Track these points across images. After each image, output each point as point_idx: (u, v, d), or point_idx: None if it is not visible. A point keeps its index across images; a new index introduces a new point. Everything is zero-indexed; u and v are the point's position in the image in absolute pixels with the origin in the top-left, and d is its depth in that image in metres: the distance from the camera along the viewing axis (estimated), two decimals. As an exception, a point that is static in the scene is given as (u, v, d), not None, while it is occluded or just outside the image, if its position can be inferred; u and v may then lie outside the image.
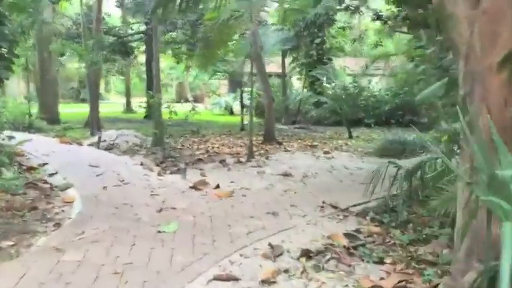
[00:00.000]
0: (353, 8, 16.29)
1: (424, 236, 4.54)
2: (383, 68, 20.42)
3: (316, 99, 15.84)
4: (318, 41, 19.81)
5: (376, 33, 19.09)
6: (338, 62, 21.12)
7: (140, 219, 5.01)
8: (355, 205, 5.75)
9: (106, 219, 4.96)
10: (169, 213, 5.27)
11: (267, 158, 9.67)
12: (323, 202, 5.81)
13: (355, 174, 8.03)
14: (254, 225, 4.85)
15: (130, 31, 23.15)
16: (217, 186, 6.71)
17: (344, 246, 4.18)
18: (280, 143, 12.15)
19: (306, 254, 3.98)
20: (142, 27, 21.25)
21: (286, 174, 7.90)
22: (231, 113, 25.42)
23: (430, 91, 3.73)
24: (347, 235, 4.55)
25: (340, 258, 3.94)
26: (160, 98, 10.48)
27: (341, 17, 19.64)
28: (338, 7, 16.89)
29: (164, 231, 4.56)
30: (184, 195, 6.26)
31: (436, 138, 12.29)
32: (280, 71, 20.72)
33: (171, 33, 20.11)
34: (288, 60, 21.44)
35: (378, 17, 13.97)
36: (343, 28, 19.41)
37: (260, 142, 12.13)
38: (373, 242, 4.47)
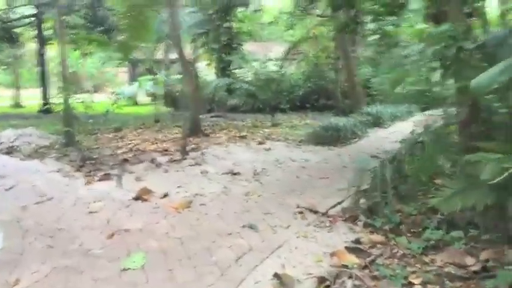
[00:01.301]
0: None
1: (432, 242, 4.03)
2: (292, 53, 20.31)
3: (236, 86, 15.05)
4: (226, 25, 19.00)
5: (291, 16, 18.75)
6: (251, 47, 20.56)
7: (90, 252, 3.88)
8: (333, 206, 5.12)
9: (43, 255, 3.77)
10: (124, 239, 4.19)
11: (202, 153, 8.71)
12: (298, 207, 5.12)
13: (307, 168, 7.47)
14: (238, 245, 3.99)
15: (15, 16, 20.16)
16: (166, 195, 5.69)
17: (360, 266, 3.53)
18: (207, 135, 11.22)
19: (322, 282, 3.26)
20: (29, 12, 18.60)
21: (234, 173, 7.08)
22: (135, 103, 23.63)
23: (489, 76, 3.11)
24: (351, 250, 3.90)
25: (364, 283, 3.28)
26: (70, 90, 8.95)
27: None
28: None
29: (130, 268, 3.53)
30: (131, 210, 5.15)
31: (362, 123, 12.34)
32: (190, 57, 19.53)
33: (65, 17, 17.82)
34: (194, 45, 20.26)
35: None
36: (256, 11, 18.75)
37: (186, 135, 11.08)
38: (381, 254, 3.87)
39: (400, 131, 11.82)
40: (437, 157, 4.86)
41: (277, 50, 22.25)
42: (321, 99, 18.66)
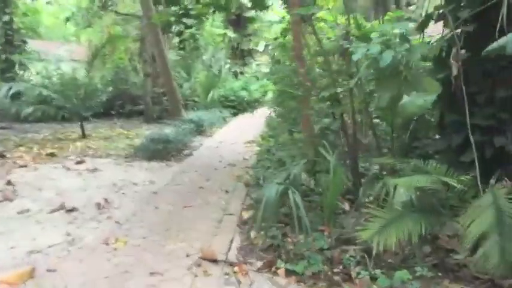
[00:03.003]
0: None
1: None
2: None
3: (27, 91, 12.34)
4: (6, 18, 15.79)
5: (86, 13, 16.48)
6: (36, 46, 17.47)
7: None
8: (229, 249, 4.13)
9: None
10: None
11: (8, 182, 6.55)
12: (188, 256, 3.94)
13: (159, 194, 6.20)
14: None
15: None
16: (-17, 260, 3.79)
17: None
18: (2, 156, 8.71)
19: None
20: None
21: (69, 209, 5.37)
22: None
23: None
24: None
25: None
26: None
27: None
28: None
29: None
30: None
31: (188, 132, 11.46)
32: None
33: None
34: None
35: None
36: (47, 3, 15.94)
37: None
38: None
39: (226, 140, 11.41)
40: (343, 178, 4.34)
41: (68, 49, 19.69)
42: (126, 105, 17.05)
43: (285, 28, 9.81)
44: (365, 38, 4.34)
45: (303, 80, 7.80)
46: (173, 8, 10.47)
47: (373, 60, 3.07)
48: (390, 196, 3.84)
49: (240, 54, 20.99)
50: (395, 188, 3.81)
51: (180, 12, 9.97)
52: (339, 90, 5.78)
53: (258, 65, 22.62)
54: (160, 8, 12.47)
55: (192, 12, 9.79)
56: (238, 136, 11.91)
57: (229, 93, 17.74)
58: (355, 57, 3.07)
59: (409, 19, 5.97)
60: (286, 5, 8.08)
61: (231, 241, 4.31)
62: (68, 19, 16.06)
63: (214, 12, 10.95)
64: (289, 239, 4.30)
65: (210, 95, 15.79)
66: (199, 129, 12.41)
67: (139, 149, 9.24)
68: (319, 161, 4.81)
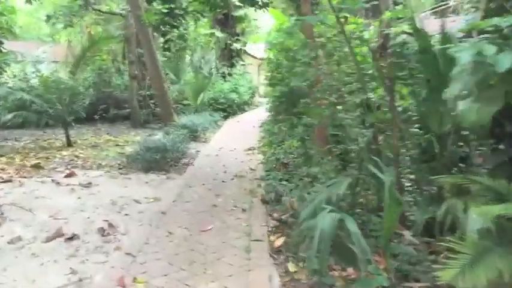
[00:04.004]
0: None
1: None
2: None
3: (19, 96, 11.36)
4: (-22, 17, 14.73)
5: (68, 12, 15.44)
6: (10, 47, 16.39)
7: None
8: None
9: None
10: None
11: (-7, 203, 5.76)
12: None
13: (168, 214, 5.47)
14: None
15: None
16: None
17: None
18: (-20, 168, 7.86)
19: None
20: None
21: (68, 237, 4.62)
22: None
23: None
24: None
25: None
26: None
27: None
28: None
29: None
30: None
31: (183, 137, 10.70)
32: None
33: None
34: None
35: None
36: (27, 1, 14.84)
37: None
38: None
39: (224, 146, 10.73)
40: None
41: (46, 50, 18.62)
42: (110, 109, 16.16)
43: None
44: (423, 37, 3.75)
45: (316, 82, 7.23)
46: (165, 6, 9.68)
47: (479, 64, 2.44)
48: (460, 222, 3.28)
49: (228, 55, 20.26)
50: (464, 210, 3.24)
51: (175, 9, 9.21)
52: (370, 96, 5.22)
53: (243, 65, 21.94)
54: (149, 5, 11.67)
55: (189, 10, 9.06)
56: (236, 142, 11.23)
57: (218, 95, 17.01)
58: (463, 60, 2.45)
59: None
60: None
61: (270, 278, 3.66)
62: (49, 18, 15.04)
63: (211, 9, 10.27)
64: (336, 273, 3.69)
65: (200, 97, 15.04)
66: (194, 134, 11.68)
67: (134, 159, 8.47)
68: (361, 177, 4.18)
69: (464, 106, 2.87)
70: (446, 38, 4.28)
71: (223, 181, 7.21)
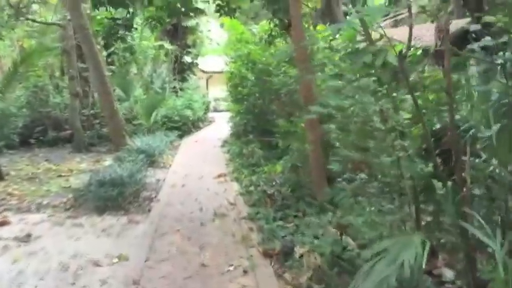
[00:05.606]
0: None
1: None
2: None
3: None
4: None
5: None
6: None
7: None
8: None
9: None
10: None
11: None
12: None
13: (144, 286, 4.04)
14: None
15: None
16: None
17: None
18: None
19: None
20: None
21: None
22: None
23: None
24: None
25: None
26: None
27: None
28: None
29: None
30: None
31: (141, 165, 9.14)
32: None
33: None
34: None
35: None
36: None
37: None
38: None
39: (189, 173, 9.33)
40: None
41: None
42: (49, 131, 14.21)
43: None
44: None
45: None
46: (116, 13, 8.20)
47: None
48: None
49: (180, 68, 18.76)
50: None
51: (128, 17, 7.78)
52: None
53: (196, 79, 20.59)
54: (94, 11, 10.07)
55: (144, 16, 7.67)
56: (200, 167, 9.85)
57: (172, 112, 15.47)
58: None
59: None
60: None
61: None
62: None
63: (169, 16, 8.92)
64: None
65: (153, 116, 13.47)
66: (151, 159, 10.15)
67: (84, 196, 6.92)
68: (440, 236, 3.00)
69: None
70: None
71: (202, 223, 5.82)
